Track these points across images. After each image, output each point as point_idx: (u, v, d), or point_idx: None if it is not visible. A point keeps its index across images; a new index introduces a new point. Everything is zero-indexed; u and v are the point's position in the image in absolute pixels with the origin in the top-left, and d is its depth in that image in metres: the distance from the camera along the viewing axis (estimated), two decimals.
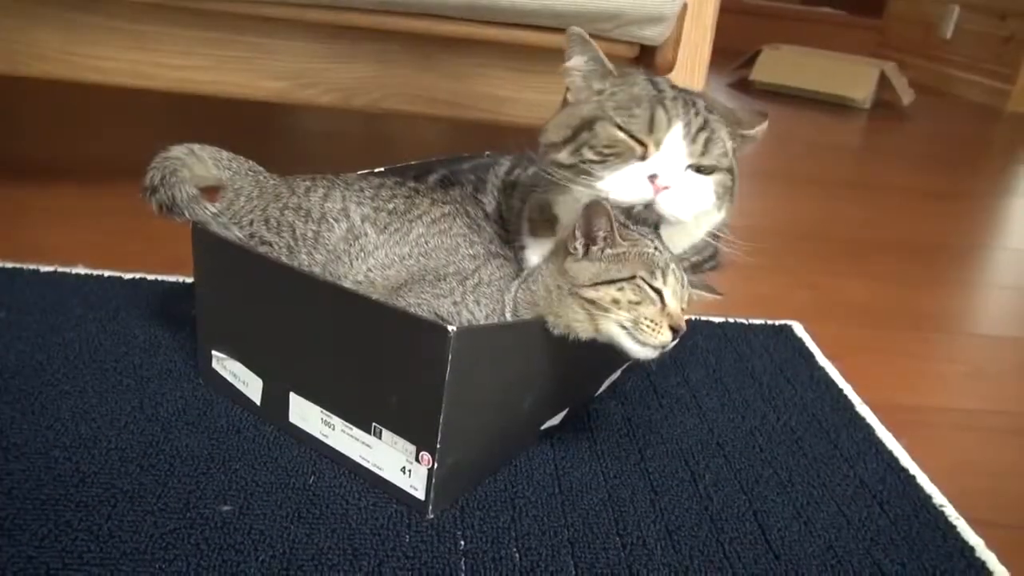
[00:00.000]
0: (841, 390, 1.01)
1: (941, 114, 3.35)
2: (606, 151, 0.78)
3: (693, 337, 1.11)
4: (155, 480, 0.73)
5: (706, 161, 0.78)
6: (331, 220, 0.83)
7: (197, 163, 0.88)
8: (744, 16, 4.11)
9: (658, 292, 0.72)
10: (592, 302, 0.72)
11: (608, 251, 0.74)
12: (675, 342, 0.72)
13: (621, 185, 0.77)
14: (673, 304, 0.73)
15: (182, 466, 0.75)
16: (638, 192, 0.76)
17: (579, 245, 0.75)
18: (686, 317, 0.74)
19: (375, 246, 0.81)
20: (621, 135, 0.78)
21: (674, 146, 0.77)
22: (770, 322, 1.18)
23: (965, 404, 1.07)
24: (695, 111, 0.79)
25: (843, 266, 1.51)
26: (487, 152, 1.08)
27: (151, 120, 1.99)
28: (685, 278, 0.75)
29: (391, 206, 0.84)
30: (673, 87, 0.82)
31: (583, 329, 0.73)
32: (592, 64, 0.83)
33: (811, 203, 1.92)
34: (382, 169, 1.01)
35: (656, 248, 0.75)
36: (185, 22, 1.24)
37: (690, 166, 0.78)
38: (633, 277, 0.72)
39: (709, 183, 0.79)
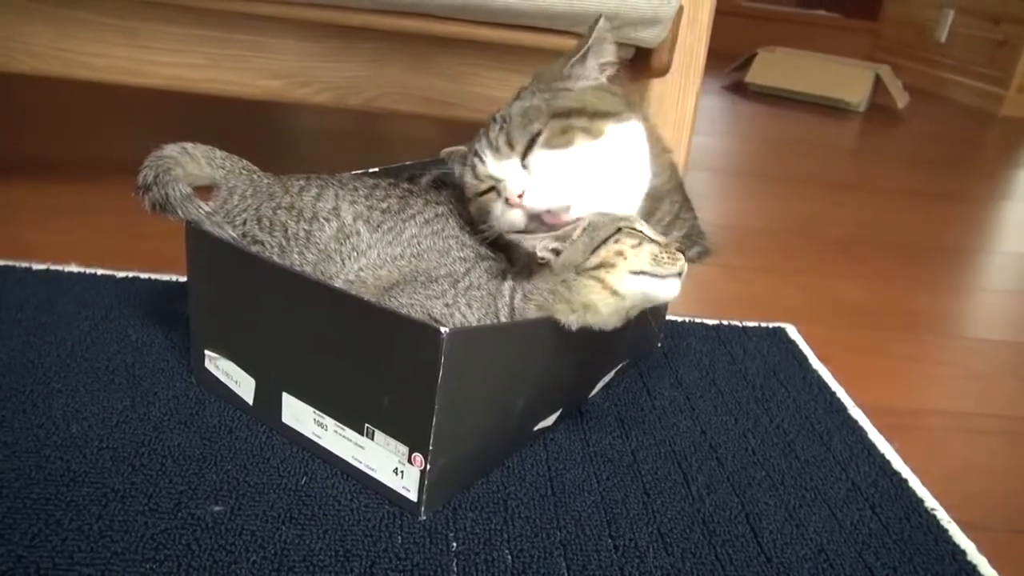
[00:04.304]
0: (834, 392, 1.02)
1: (935, 117, 3.36)
2: (482, 215, 0.84)
3: (687, 339, 1.11)
4: (146, 480, 0.73)
5: (519, 147, 0.81)
6: (322, 219, 0.82)
7: (191, 162, 0.87)
8: (740, 19, 4.12)
9: (643, 235, 0.75)
10: (600, 265, 0.73)
11: (577, 230, 0.76)
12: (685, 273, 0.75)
13: (503, 222, 0.82)
14: (662, 239, 0.76)
15: (174, 466, 0.75)
16: (512, 219, 0.81)
17: (552, 244, 0.76)
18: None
19: (368, 246, 0.81)
20: (478, 200, 0.84)
21: (496, 167, 0.82)
22: (764, 324, 1.18)
23: (958, 407, 1.07)
24: (495, 124, 0.83)
25: (837, 267, 1.52)
26: None
27: (145, 118, 1.98)
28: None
29: (384, 206, 0.84)
30: (492, 117, 0.84)
31: (605, 303, 0.73)
32: (461, 161, 0.88)
33: (805, 204, 1.93)
34: (376, 169, 1.00)
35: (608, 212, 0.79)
36: (178, 19, 1.23)
37: (524, 159, 0.80)
38: (619, 229, 0.74)
39: (537, 151, 0.80)
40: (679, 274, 0.74)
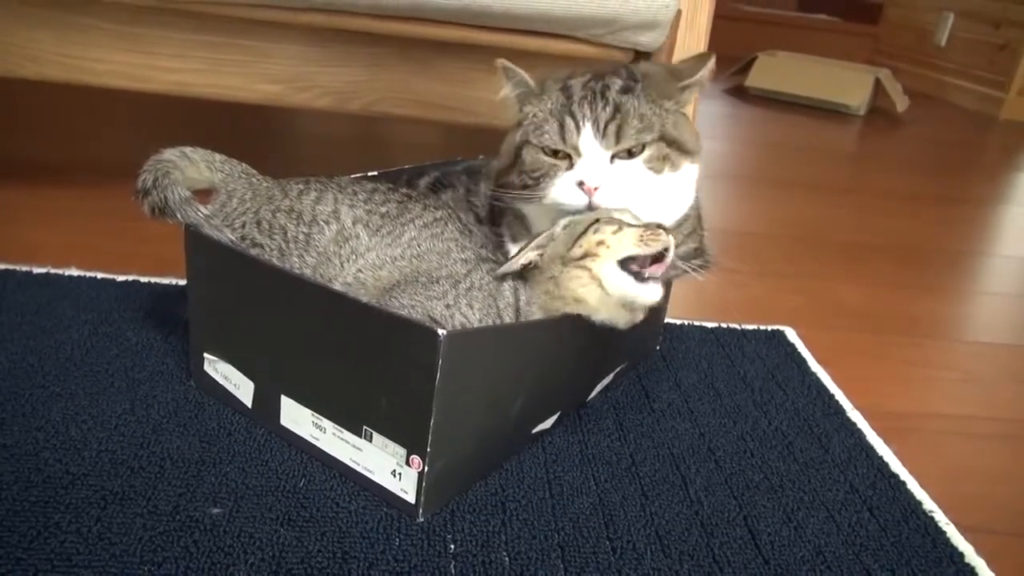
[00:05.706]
0: (832, 395, 1.02)
1: (935, 121, 3.36)
2: (535, 174, 0.83)
3: (686, 342, 1.11)
4: (145, 482, 0.73)
5: (624, 145, 0.81)
6: (322, 222, 0.83)
7: (190, 166, 0.88)
8: (740, 22, 4.13)
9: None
10: (584, 255, 0.75)
11: (555, 231, 0.78)
12: (671, 251, 0.77)
13: (561, 196, 0.82)
14: (640, 222, 0.78)
15: (172, 468, 0.75)
16: (575, 199, 0.82)
17: (532, 255, 0.78)
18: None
19: (366, 248, 0.81)
20: (542, 156, 0.83)
21: (590, 147, 0.81)
22: (763, 327, 1.18)
23: (956, 410, 1.07)
24: (604, 103, 0.82)
25: (836, 270, 1.52)
26: (481, 156, 1.09)
27: (145, 122, 1.99)
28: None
29: (383, 209, 0.84)
30: (587, 84, 0.85)
31: (591, 293, 0.76)
32: (518, 88, 0.87)
33: (805, 208, 1.93)
34: (375, 173, 1.01)
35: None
36: (179, 25, 1.24)
37: (615, 156, 0.81)
38: (596, 220, 0.77)
39: (638, 163, 0.82)
40: (666, 248, 0.75)
